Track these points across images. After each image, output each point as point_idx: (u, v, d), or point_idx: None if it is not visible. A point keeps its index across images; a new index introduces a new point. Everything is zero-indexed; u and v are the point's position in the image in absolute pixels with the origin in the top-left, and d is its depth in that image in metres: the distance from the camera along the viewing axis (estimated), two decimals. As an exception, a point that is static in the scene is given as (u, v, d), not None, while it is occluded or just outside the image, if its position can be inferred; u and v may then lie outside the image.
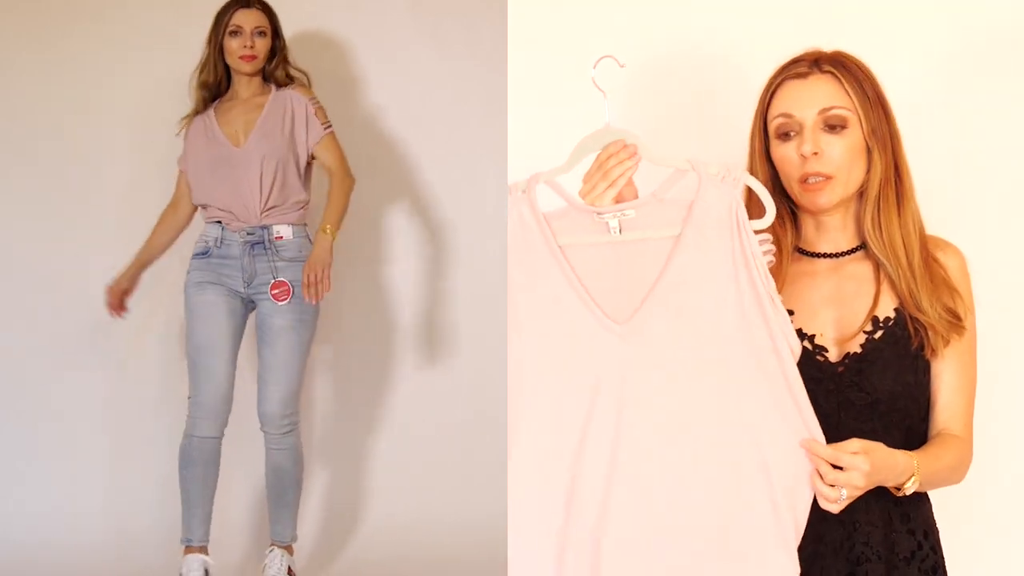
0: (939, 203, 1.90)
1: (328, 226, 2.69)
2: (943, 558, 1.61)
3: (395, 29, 3.25)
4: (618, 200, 1.56)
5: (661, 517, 1.49)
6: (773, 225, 1.58)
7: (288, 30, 2.84)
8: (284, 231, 2.71)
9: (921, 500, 1.61)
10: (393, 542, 3.09)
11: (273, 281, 2.67)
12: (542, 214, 1.56)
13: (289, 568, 2.75)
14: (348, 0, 3.25)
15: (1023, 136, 2.08)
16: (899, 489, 1.50)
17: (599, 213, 1.54)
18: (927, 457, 1.54)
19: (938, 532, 1.62)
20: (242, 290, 2.71)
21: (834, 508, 1.43)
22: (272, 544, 2.79)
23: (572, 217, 1.56)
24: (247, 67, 2.75)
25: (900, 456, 1.49)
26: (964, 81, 2.10)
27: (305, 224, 2.77)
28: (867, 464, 1.41)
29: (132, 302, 2.87)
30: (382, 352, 3.30)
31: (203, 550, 2.71)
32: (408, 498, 3.21)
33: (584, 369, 1.52)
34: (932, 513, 1.63)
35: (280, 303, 2.66)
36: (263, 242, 2.70)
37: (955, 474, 1.62)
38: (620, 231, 1.54)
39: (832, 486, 1.42)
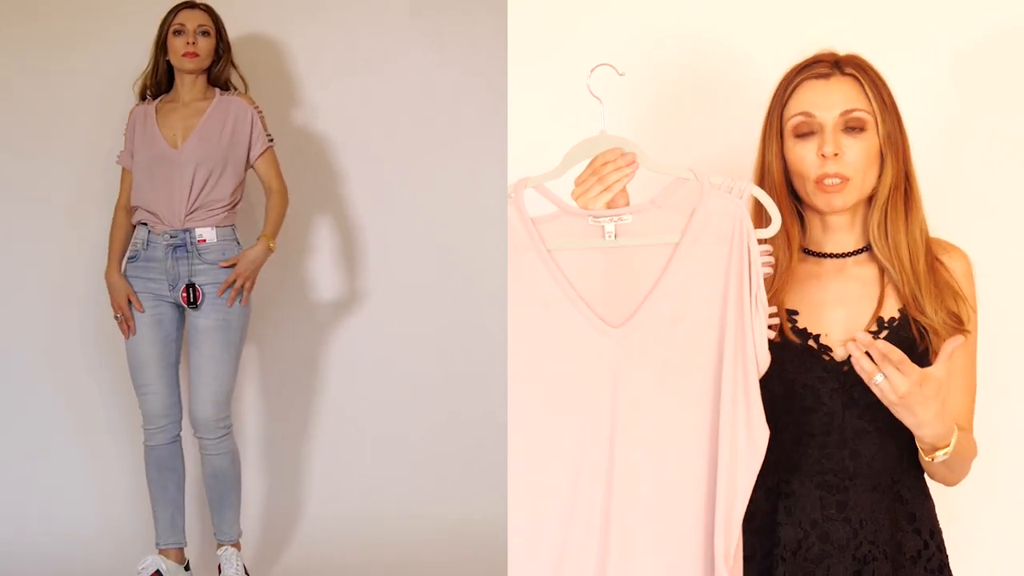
0: (950, 205, 1.91)
1: (267, 235, 2.72)
2: (948, 558, 1.61)
3: (395, 29, 3.24)
4: (610, 206, 1.57)
5: (660, 517, 1.50)
6: (784, 225, 1.59)
7: (288, 30, 2.83)
8: (207, 234, 2.69)
9: (925, 500, 1.62)
10: (396, 542, 3.09)
11: (184, 285, 2.67)
12: (530, 218, 1.56)
13: (244, 565, 2.75)
14: (348, 2, 3.24)
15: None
16: (931, 452, 1.50)
17: (595, 217, 1.54)
18: (963, 437, 1.55)
19: (941, 532, 1.63)
20: (168, 294, 2.70)
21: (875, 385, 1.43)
22: (221, 544, 2.77)
23: (563, 221, 1.56)
24: (189, 64, 2.73)
25: (950, 423, 1.49)
26: (971, 81, 2.10)
27: (232, 226, 2.75)
28: (906, 383, 1.41)
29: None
30: (382, 352, 3.29)
31: (171, 553, 2.72)
32: (409, 497, 3.21)
33: (578, 371, 1.52)
34: (935, 513, 1.64)
35: (187, 307, 2.67)
36: (185, 245, 2.68)
37: (966, 470, 1.63)
38: (615, 236, 1.54)
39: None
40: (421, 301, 3.28)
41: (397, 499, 3.21)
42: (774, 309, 1.52)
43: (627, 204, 1.59)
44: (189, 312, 2.68)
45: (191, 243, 2.67)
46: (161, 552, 2.72)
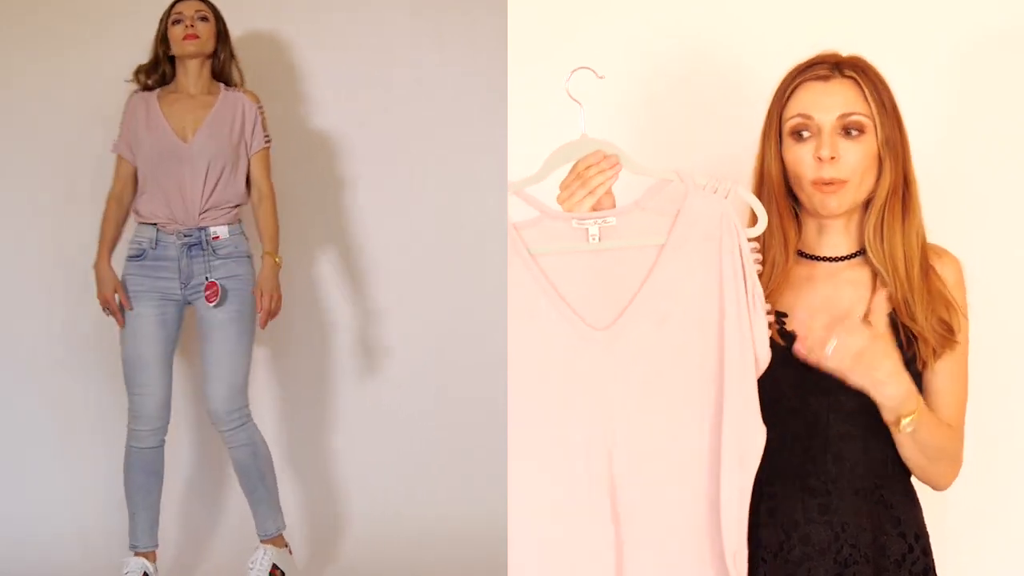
0: (950, 205, 1.91)
1: (271, 251, 2.69)
2: (934, 561, 1.61)
3: (395, 29, 3.25)
4: (596, 209, 1.56)
5: (660, 515, 1.50)
6: (782, 226, 1.61)
7: (289, 31, 2.82)
8: (221, 231, 2.68)
9: (912, 505, 1.62)
10: (397, 544, 3.09)
11: (206, 282, 2.65)
12: (512, 224, 1.55)
13: (274, 565, 2.70)
14: (348, 2, 3.24)
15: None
16: (896, 421, 1.50)
17: (579, 220, 1.53)
18: (931, 416, 1.55)
19: (928, 535, 1.62)
20: (178, 292, 2.68)
21: (816, 352, 1.47)
22: (260, 542, 2.75)
23: (545, 225, 1.54)
24: (191, 47, 2.70)
25: (910, 384, 1.49)
26: (971, 81, 2.09)
27: (240, 221, 2.74)
28: (858, 340, 1.45)
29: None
30: (383, 353, 3.30)
31: (149, 555, 2.70)
32: (409, 499, 3.21)
33: (564, 376, 1.52)
34: (923, 517, 1.63)
35: (213, 305, 2.65)
36: (200, 243, 2.67)
37: (944, 462, 1.61)
38: (599, 239, 1.53)
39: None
40: (420, 300, 3.28)
41: (396, 499, 3.22)
42: (769, 306, 1.52)
43: (613, 206, 1.58)
44: (201, 307, 2.67)
45: (206, 241, 2.67)
46: (137, 555, 2.69)
